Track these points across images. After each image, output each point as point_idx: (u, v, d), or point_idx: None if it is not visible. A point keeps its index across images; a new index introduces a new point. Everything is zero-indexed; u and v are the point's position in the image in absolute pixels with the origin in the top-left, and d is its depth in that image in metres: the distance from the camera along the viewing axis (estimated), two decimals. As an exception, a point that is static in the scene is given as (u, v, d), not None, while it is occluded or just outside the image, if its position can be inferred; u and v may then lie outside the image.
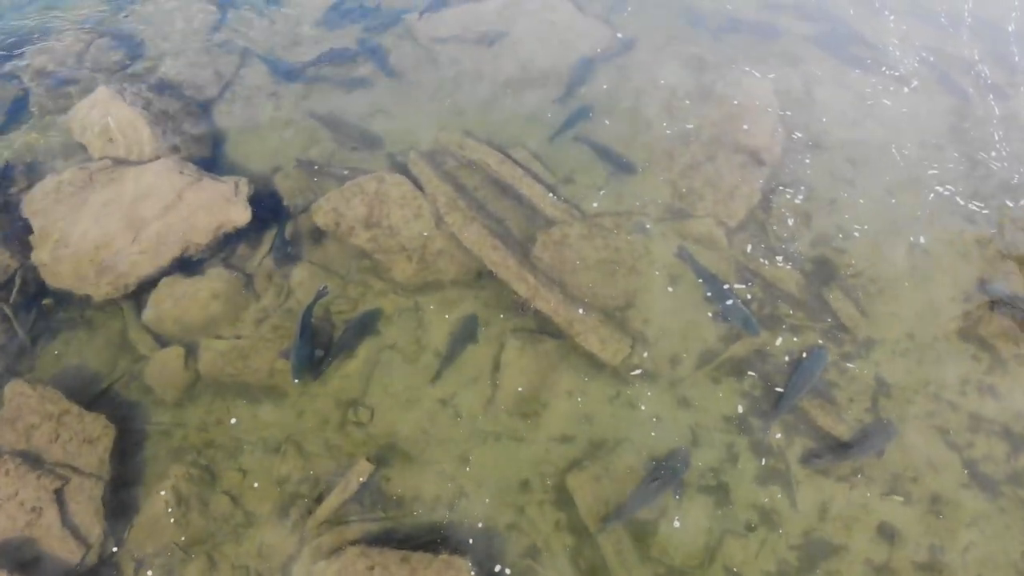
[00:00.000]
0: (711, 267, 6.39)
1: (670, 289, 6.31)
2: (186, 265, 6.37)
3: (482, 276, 6.43)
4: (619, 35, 8.78)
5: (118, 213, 6.43)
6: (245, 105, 7.92)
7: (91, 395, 5.70)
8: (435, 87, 8.26)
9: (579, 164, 7.42)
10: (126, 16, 9.11)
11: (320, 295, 6.06)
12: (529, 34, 8.73)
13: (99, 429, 5.37)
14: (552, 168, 7.36)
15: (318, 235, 6.69)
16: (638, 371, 5.82)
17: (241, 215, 6.40)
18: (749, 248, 6.62)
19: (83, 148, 7.23)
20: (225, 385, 5.75)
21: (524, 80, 8.32)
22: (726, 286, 6.20)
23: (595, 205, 6.94)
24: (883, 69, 8.40)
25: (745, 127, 7.38)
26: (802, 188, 7.12)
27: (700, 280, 6.30)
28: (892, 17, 9.26)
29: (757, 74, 7.95)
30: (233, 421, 5.58)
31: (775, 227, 6.79)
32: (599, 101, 8.03)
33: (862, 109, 7.92)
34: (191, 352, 5.87)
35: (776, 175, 7.18)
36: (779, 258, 6.55)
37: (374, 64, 8.39)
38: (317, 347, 5.77)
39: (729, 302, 6.03)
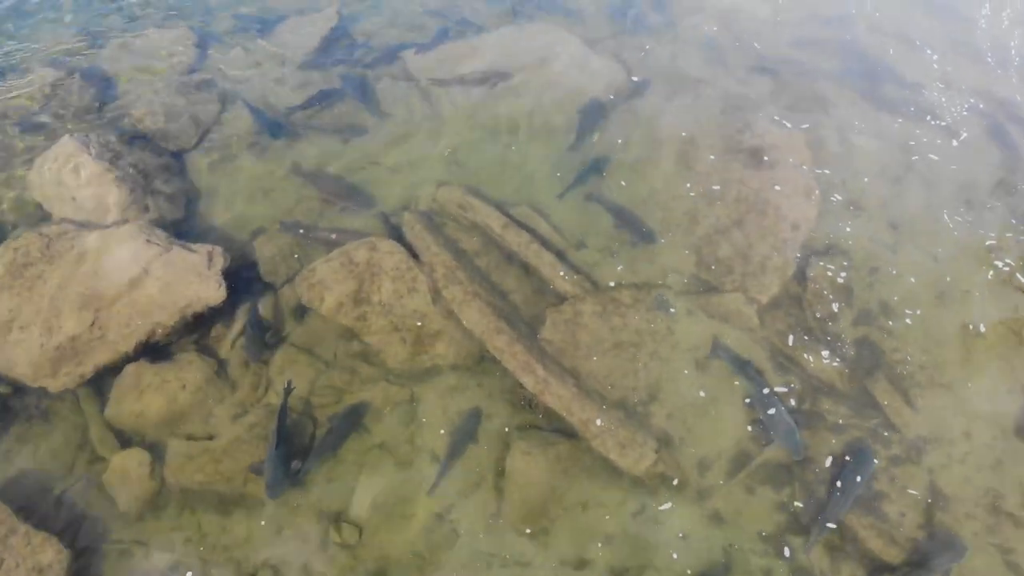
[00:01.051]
0: (745, 353, 5.78)
1: (697, 378, 5.70)
2: (153, 350, 5.76)
3: (485, 359, 5.82)
4: (633, 76, 8.19)
5: (77, 290, 5.82)
6: (224, 156, 7.32)
7: (45, 506, 5.10)
8: (434, 134, 7.66)
9: (592, 225, 6.82)
10: (99, 50, 8.53)
11: (287, 391, 5.44)
12: (536, 75, 8.14)
13: (50, 555, 4.74)
14: (562, 230, 6.76)
15: (301, 312, 6.09)
16: (663, 479, 5.21)
17: (214, 293, 5.79)
18: (783, 329, 6.01)
19: (43, 207, 6.64)
20: (194, 494, 5.14)
21: (531, 127, 7.73)
22: (766, 390, 5.56)
23: (610, 275, 6.34)
24: (927, 118, 7.81)
25: (776, 187, 6.78)
26: (840, 257, 6.51)
27: (740, 378, 5.67)
28: (935, 56, 8.67)
29: (788, 124, 7.33)
30: (202, 539, 4.97)
31: (812, 304, 6.18)
32: (613, 152, 7.43)
33: (905, 164, 7.33)
34: (157, 454, 5.26)
35: (811, 242, 6.57)
36: (817, 341, 5.95)
37: (360, 103, 7.81)
38: (295, 456, 5.16)
39: (772, 411, 5.41)
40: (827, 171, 7.12)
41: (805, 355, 5.85)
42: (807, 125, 7.35)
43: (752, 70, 8.40)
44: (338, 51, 8.45)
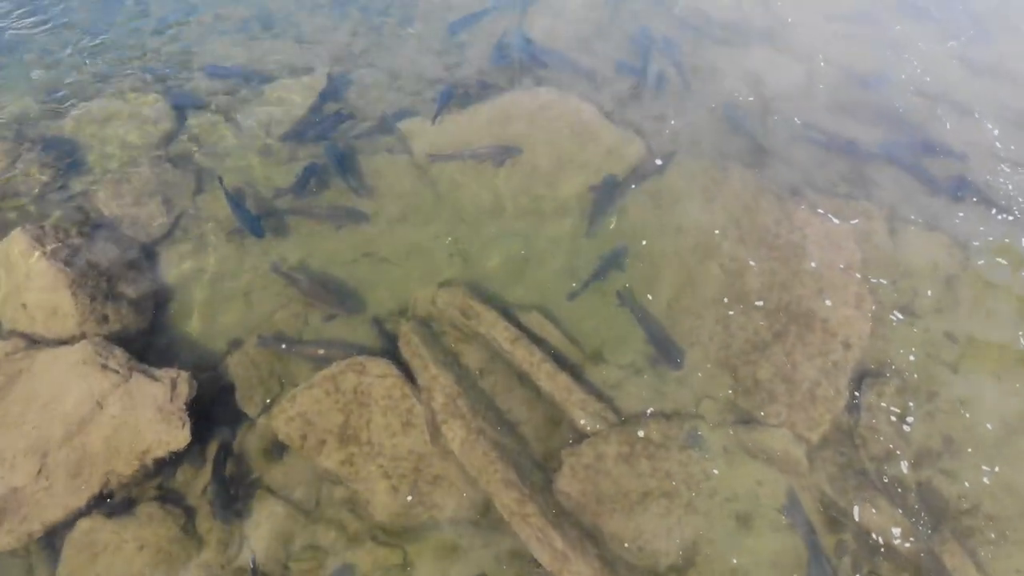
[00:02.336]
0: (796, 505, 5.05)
1: (741, 536, 4.97)
2: (109, 501, 5.04)
3: (492, 509, 5.09)
4: (653, 149, 7.48)
5: (20, 430, 5.10)
6: (199, 248, 6.61)
7: None
8: (434, 219, 6.95)
9: (611, 332, 6.11)
10: (64, 115, 7.82)
11: None
12: (546, 149, 7.42)
13: None
14: (577, 337, 6.06)
15: (279, 450, 5.36)
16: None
17: (177, 436, 5.07)
18: (834, 472, 5.28)
19: (-11, 316, 5.94)
20: None
21: (541, 210, 7.02)
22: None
23: (635, 400, 5.62)
24: (992, 211, 7.06)
25: (823, 294, 6.05)
26: (894, 379, 5.78)
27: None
28: (996, 131, 7.93)
29: (835, 219, 6.60)
30: None
31: (866, 440, 5.45)
32: (632, 240, 6.72)
33: (961, 260, 6.60)
34: (107, 635, 4.55)
35: (863, 361, 5.84)
36: (873, 489, 5.21)
37: (340, 177, 7.12)
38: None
39: None
40: (875, 270, 6.40)
41: (859, 506, 5.12)
42: (856, 221, 6.60)
43: (786, 142, 7.68)
44: (328, 119, 7.73)
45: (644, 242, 6.72)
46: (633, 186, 7.16)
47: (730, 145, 7.63)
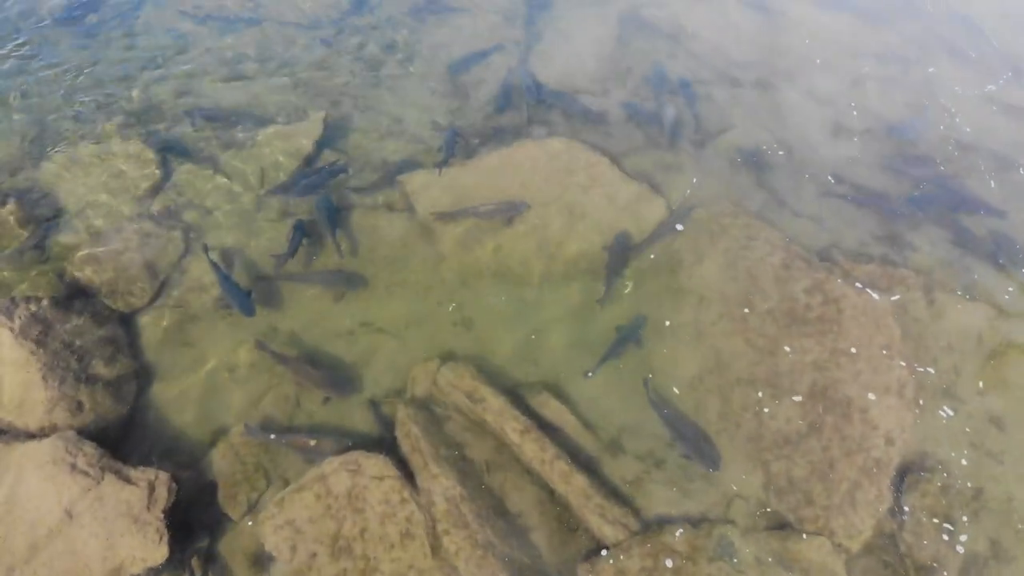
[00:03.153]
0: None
1: (773, 667, 4.50)
2: (75, 622, 4.58)
3: (500, 632, 4.63)
4: (672, 206, 7.01)
5: (-20, 544, 4.65)
6: (184, 320, 6.15)
7: None
8: (437, 285, 6.49)
9: (629, 414, 5.66)
10: (43, 163, 7.37)
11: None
12: (557, 205, 6.96)
13: None
14: (592, 421, 5.60)
15: (266, 560, 4.90)
16: None
17: (153, 551, 4.61)
18: (880, 588, 4.81)
19: (-46, 401, 5.49)
20: None
21: (551, 274, 6.57)
22: None
23: (658, 501, 5.14)
24: (1030, 275, 6.62)
25: (863, 380, 5.58)
26: (937, 474, 5.31)
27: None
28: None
29: (871, 290, 6.13)
30: None
31: (911, 548, 4.97)
32: (650, 308, 6.26)
33: (1005, 335, 6.12)
34: None
35: (904, 454, 5.37)
36: (924, 607, 4.75)
37: (326, 233, 6.65)
38: None
39: None
40: (915, 348, 5.92)
41: (910, 630, 4.66)
42: (896, 298, 6.13)
43: (813, 197, 7.22)
44: (322, 172, 7.25)
45: (663, 312, 6.26)
46: (650, 247, 6.71)
47: (753, 200, 7.17)
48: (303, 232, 6.71)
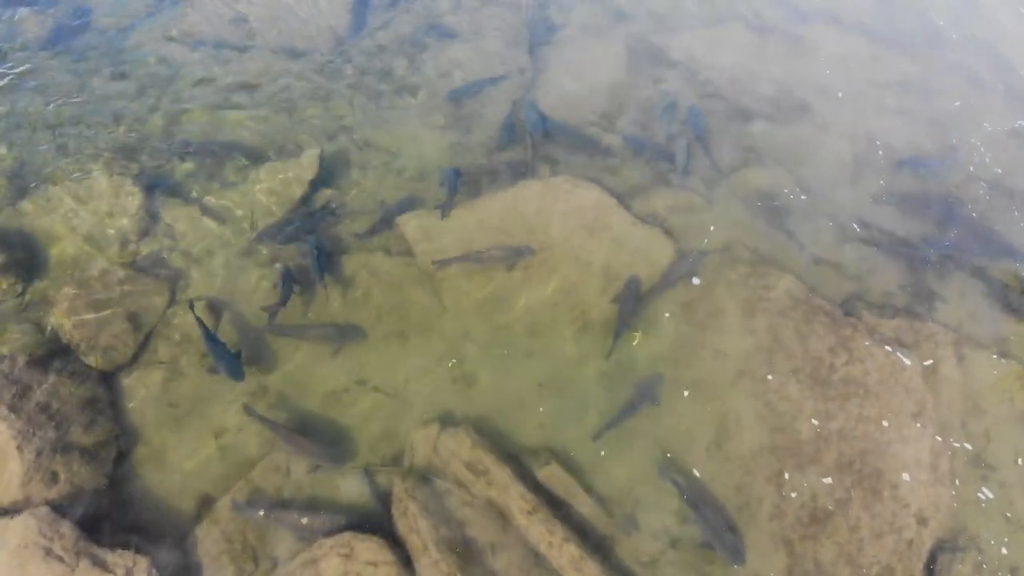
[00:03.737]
0: None
1: None
2: None
3: None
4: (682, 249, 6.68)
5: (-58, 641, 4.33)
6: (169, 379, 5.82)
7: None
8: (437, 337, 6.17)
9: (643, 485, 5.33)
10: (22, 201, 7.04)
11: None
12: (565, 250, 6.64)
13: None
14: (604, 493, 5.27)
15: (254, 655, 4.59)
16: None
17: (130, 652, 4.29)
18: None
19: (-78, 472, 5.16)
20: None
21: (558, 324, 6.23)
22: None
23: (672, 585, 4.82)
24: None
25: (892, 452, 5.24)
26: (971, 555, 4.96)
27: None
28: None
29: (898, 349, 5.78)
30: None
31: (949, 641, 4.64)
32: (663, 363, 5.94)
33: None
34: None
35: (937, 535, 5.03)
36: None
37: (320, 284, 6.33)
38: None
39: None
40: (946, 412, 5.58)
41: None
42: (930, 362, 5.78)
43: (834, 242, 6.88)
44: (315, 214, 6.93)
45: (677, 368, 5.93)
46: (662, 295, 6.38)
47: (771, 243, 6.83)
48: (293, 279, 6.39)
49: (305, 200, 7.23)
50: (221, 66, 8.77)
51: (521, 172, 7.42)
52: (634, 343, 6.16)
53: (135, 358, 5.97)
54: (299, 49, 8.98)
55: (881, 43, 9.23)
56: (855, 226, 7.08)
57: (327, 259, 6.54)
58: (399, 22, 9.25)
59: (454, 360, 6.06)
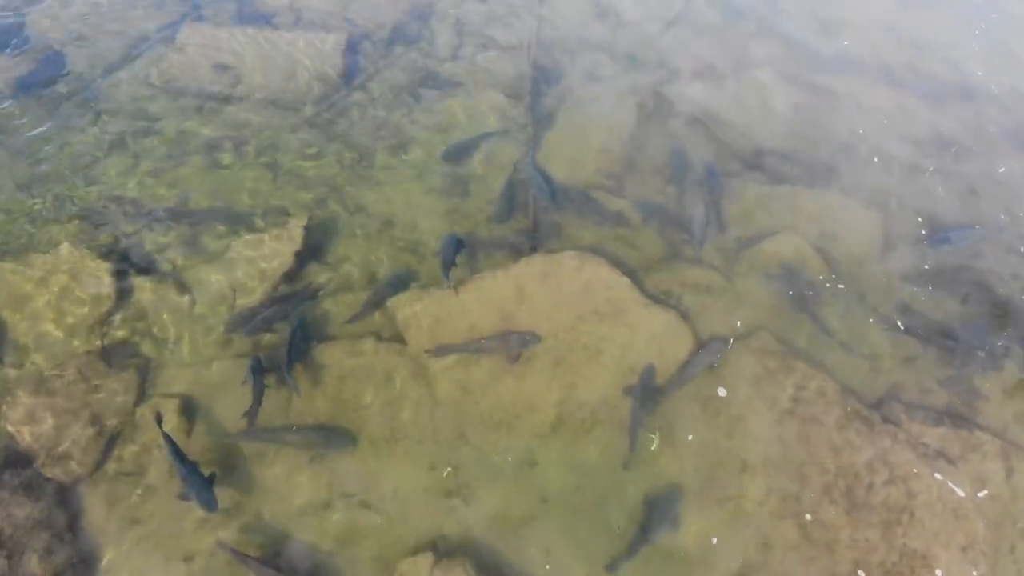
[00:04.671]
0: None
1: None
2: None
3: None
4: (701, 336, 6.14)
5: None
6: (134, 496, 5.25)
7: None
8: (430, 441, 5.62)
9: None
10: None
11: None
12: (572, 337, 6.10)
13: None
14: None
15: None
16: None
17: None
18: None
19: None
20: None
21: (564, 426, 5.70)
22: None
23: None
24: None
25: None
26: None
27: None
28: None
29: (954, 485, 5.20)
30: None
31: None
32: (683, 474, 5.38)
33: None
34: None
35: None
36: None
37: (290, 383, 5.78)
38: None
39: None
40: (995, 539, 5.03)
41: None
42: (983, 493, 5.23)
43: (863, 327, 6.34)
44: (297, 298, 6.38)
45: (699, 480, 5.39)
46: (680, 391, 5.84)
47: (797, 331, 6.30)
48: (258, 371, 5.76)
49: (290, 276, 6.70)
50: (202, 118, 8.23)
51: (525, 245, 6.89)
52: (652, 447, 5.62)
53: (97, 467, 5.42)
54: (286, 99, 8.44)
55: (913, 95, 8.68)
56: (888, 309, 6.54)
57: (305, 348, 6.01)
58: (393, 70, 8.72)
59: (449, 469, 5.51)
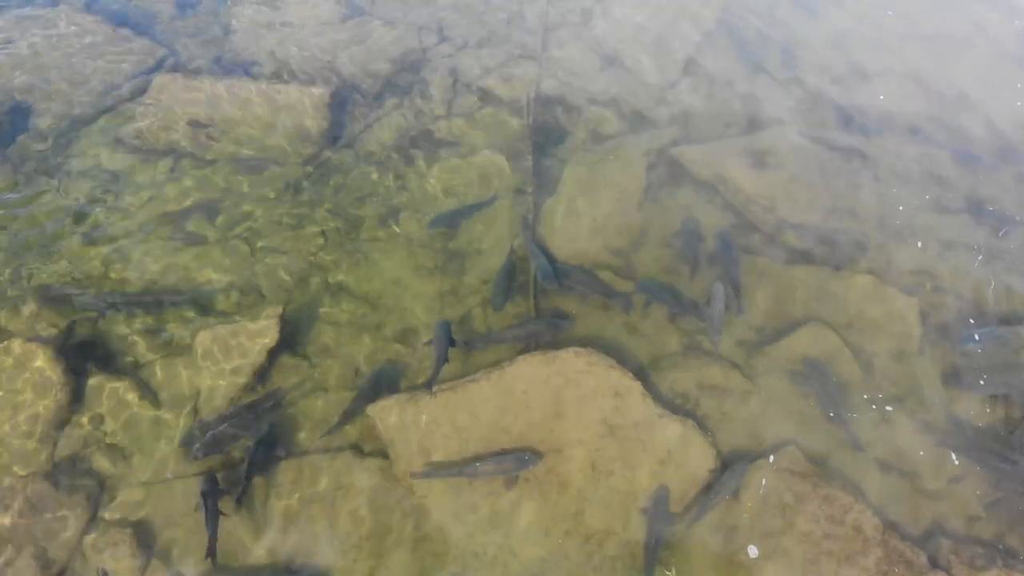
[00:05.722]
0: None
1: None
2: None
3: None
4: (721, 452, 5.51)
5: None
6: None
7: None
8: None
9: None
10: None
11: None
12: (578, 454, 5.46)
13: None
14: None
15: None
16: None
17: None
18: None
19: None
20: None
21: (569, 559, 5.06)
22: None
23: None
24: None
25: None
26: None
27: None
28: None
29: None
30: None
31: None
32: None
33: None
34: None
35: None
36: None
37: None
38: None
39: None
40: None
41: None
42: None
43: (901, 442, 5.68)
44: (258, 410, 5.72)
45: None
46: (700, 518, 5.19)
47: (828, 445, 5.65)
48: (218, 494, 5.16)
49: (262, 374, 6.07)
50: (175, 183, 7.56)
51: (521, 338, 6.26)
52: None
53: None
54: (267, 160, 7.77)
55: (949, 156, 7.99)
56: (928, 417, 5.89)
57: (268, 465, 5.40)
58: (383, 127, 8.05)
59: (438, 615, 4.89)
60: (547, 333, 6.25)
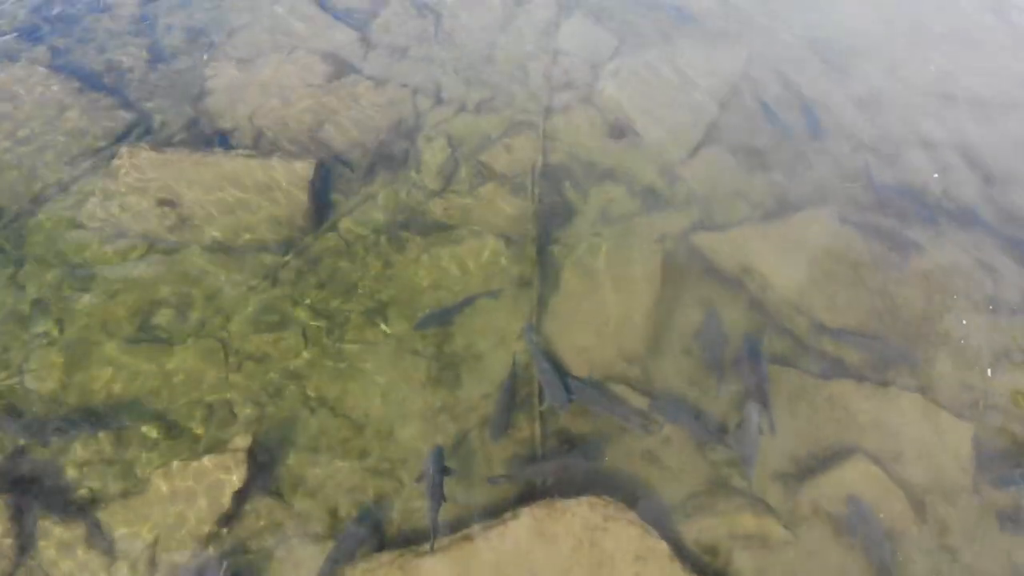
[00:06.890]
0: None
1: None
2: None
3: None
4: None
5: None
6: None
7: None
8: None
9: None
10: None
11: None
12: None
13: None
14: None
15: None
16: None
17: None
18: None
19: None
20: None
21: None
22: None
23: None
24: None
25: None
26: None
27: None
28: None
29: None
30: None
31: None
32: None
33: None
34: None
35: None
36: None
37: None
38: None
39: None
40: None
41: None
42: None
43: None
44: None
45: None
46: None
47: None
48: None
49: (228, 518, 5.33)
50: (141, 272, 6.81)
51: (525, 472, 5.52)
52: None
53: None
54: (243, 245, 7.01)
55: (1003, 249, 7.22)
56: (984, 566, 5.15)
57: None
58: (373, 207, 7.30)
59: None
60: (578, 467, 5.52)
